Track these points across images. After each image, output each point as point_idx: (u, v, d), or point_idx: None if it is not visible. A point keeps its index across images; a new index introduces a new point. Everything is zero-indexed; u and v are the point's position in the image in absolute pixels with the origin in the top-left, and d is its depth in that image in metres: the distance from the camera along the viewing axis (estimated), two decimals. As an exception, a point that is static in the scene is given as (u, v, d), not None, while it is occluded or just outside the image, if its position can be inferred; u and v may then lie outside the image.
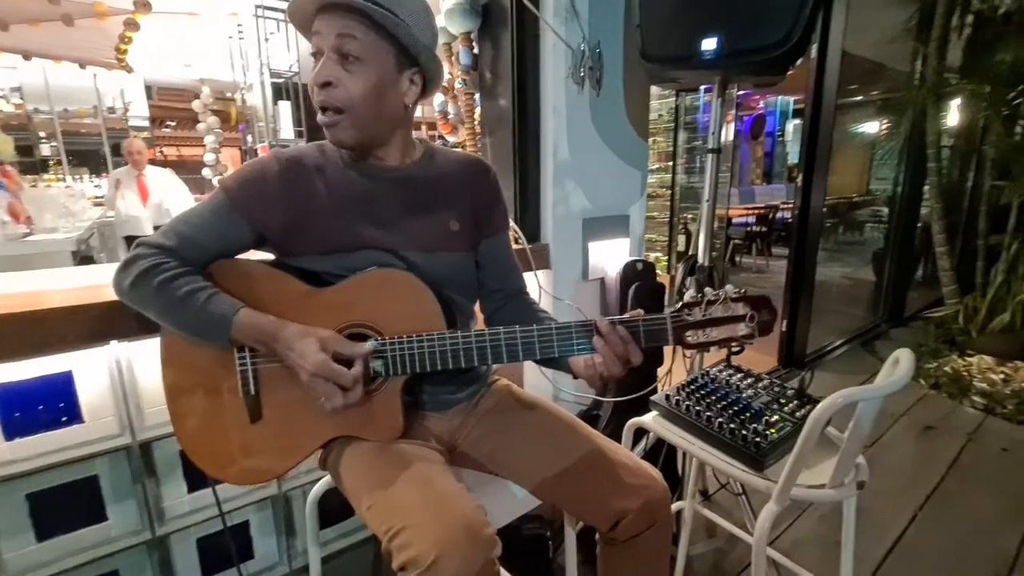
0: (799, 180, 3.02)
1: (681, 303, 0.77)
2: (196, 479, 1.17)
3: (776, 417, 1.05)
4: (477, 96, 1.67)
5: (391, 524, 0.69)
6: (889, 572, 1.53)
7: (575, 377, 0.84)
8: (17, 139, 5.68)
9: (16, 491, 0.98)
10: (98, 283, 0.99)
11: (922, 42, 3.30)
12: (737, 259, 6.32)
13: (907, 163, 3.74)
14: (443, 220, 0.91)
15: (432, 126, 1.91)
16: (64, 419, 1.01)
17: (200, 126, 6.08)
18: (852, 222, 5.02)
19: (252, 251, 0.89)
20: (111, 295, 0.91)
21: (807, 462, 0.97)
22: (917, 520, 1.75)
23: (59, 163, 5.93)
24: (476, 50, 1.62)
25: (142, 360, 1.07)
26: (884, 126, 3.86)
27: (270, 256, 0.90)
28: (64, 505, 1.03)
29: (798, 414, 1.06)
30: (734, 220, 6.01)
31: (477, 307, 1.03)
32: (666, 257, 4.73)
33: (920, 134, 3.21)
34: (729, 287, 0.77)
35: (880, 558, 1.58)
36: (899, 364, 0.93)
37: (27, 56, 4.66)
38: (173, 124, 8.20)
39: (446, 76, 1.71)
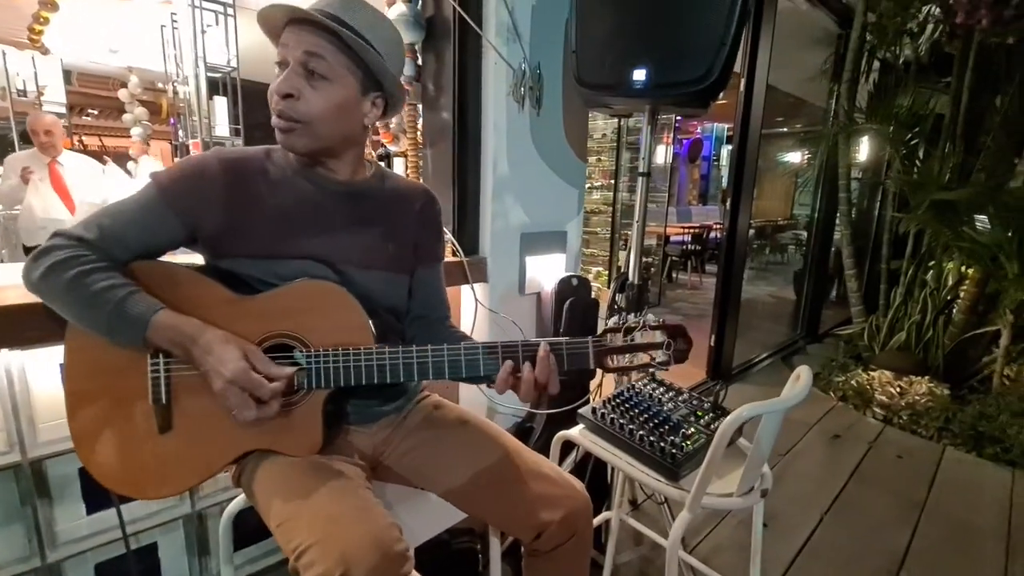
0: (727, 204, 3.23)
1: (604, 328, 0.81)
2: (97, 499, 1.08)
3: (692, 429, 1.11)
4: (419, 107, 1.67)
5: (299, 542, 0.67)
6: (798, 572, 1.64)
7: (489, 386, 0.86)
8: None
9: None
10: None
11: (836, 83, 3.62)
12: (674, 275, 6.61)
13: (823, 192, 4.07)
14: (384, 240, 0.92)
15: (376, 132, 1.89)
16: (-60, 436, 0.91)
17: (126, 117, 5.68)
18: (777, 244, 5.39)
19: (178, 251, 0.85)
20: (5, 299, 0.85)
21: (718, 472, 1.03)
22: (823, 522, 1.89)
23: (-44, 148, 5.34)
24: (420, 61, 1.62)
25: (36, 370, 0.98)
26: (805, 156, 4.19)
27: (196, 259, 0.86)
28: (-64, 532, 0.93)
29: (713, 426, 1.12)
30: (671, 238, 6.29)
31: None
32: (606, 272, 4.88)
33: (834, 166, 3.51)
34: (650, 316, 0.82)
35: (790, 559, 1.69)
36: (799, 380, 1.01)
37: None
38: (95, 112, 7.61)
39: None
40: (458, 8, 1.40)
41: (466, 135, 1.50)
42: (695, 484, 0.94)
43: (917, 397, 2.85)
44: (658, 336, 0.82)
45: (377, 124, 1.81)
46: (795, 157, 4.50)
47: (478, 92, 1.50)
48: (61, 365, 0.98)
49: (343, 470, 0.80)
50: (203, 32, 3.83)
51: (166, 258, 0.84)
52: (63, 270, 0.71)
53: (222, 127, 4.02)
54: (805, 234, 4.55)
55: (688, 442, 1.06)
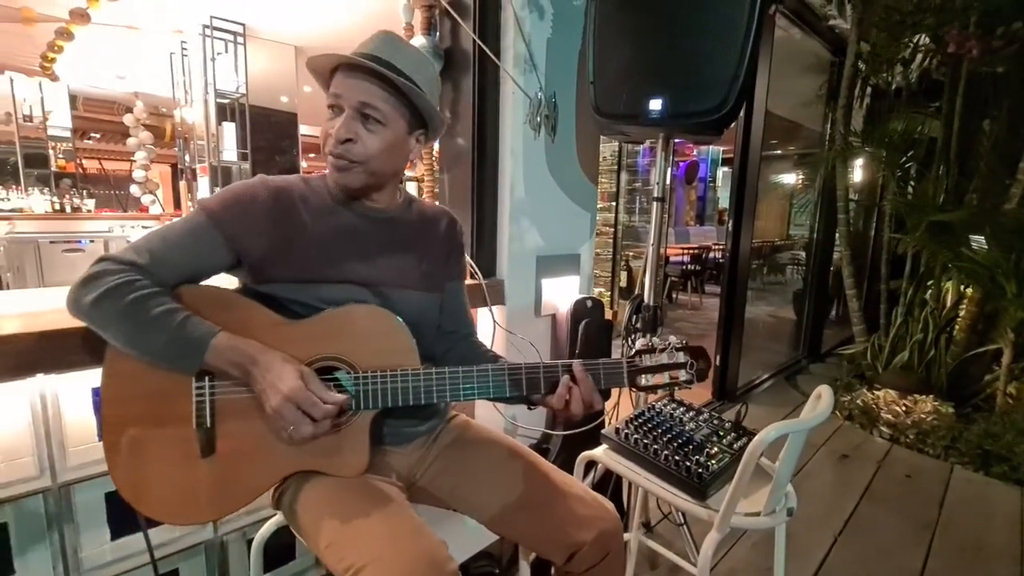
0: (729, 224, 3.28)
1: (634, 351, 0.85)
2: (121, 525, 1.08)
3: (716, 449, 1.12)
4: (436, 134, 1.71)
5: (352, 561, 0.68)
6: (815, 596, 1.64)
7: (531, 406, 0.89)
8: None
9: (-91, 543, 0.87)
10: (26, 310, 0.93)
11: (831, 108, 3.73)
12: (674, 296, 6.65)
13: (821, 213, 4.15)
14: (418, 261, 0.96)
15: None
16: (-27, 460, 0.91)
17: (131, 140, 5.75)
18: (775, 264, 5.46)
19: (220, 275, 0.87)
20: (41, 324, 0.86)
21: (744, 491, 1.05)
22: (837, 544, 1.88)
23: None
24: (436, 90, 1.67)
25: (69, 395, 0.99)
26: (801, 178, 4.28)
27: (234, 282, 0.89)
28: (-37, 558, 0.92)
29: (735, 445, 1.14)
30: (671, 259, 6.36)
31: None
32: (609, 292, 4.92)
33: (831, 188, 3.59)
34: (673, 338, 0.87)
35: (807, 582, 1.69)
36: (821, 399, 1.03)
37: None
38: (97, 136, 7.69)
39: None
40: (478, 40, 1.45)
41: (484, 161, 1.55)
42: (724, 503, 0.95)
43: (923, 416, 2.86)
44: (681, 357, 0.88)
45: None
46: (790, 179, 4.60)
47: (496, 120, 1.54)
48: (95, 390, 1.00)
49: (386, 490, 0.82)
50: (213, 59, 3.92)
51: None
52: (120, 296, 0.72)
53: (230, 151, 4.08)
54: (803, 254, 4.62)
55: (713, 461, 1.07)
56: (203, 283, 0.84)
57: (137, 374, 0.76)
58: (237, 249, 0.82)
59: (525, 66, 1.51)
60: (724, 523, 0.95)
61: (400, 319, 0.84)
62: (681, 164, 9.02)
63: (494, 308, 1.55)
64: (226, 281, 0.91)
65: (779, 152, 4.43)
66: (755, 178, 3.14)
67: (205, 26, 3.77)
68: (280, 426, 0.74)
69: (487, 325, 1.57)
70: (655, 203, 1.42)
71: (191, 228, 0.81)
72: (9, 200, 5.25)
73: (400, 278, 0.92)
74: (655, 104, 1.25)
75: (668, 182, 1.47)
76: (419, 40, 1.56)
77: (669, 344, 0.87)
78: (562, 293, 1.72)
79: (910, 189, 3.40)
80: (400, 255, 0.94)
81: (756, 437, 0.91)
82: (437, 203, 1.71)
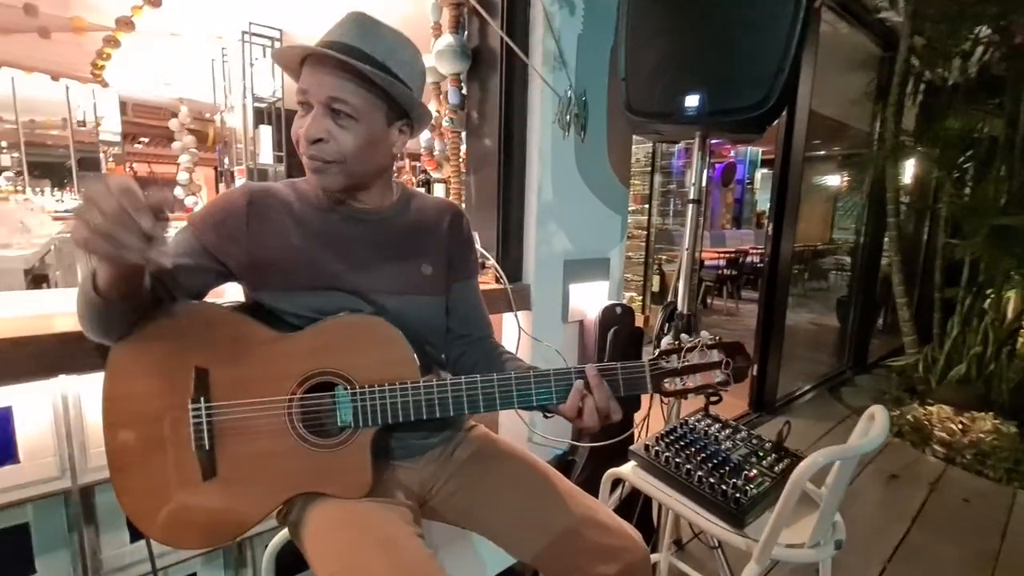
0: (768, 227, 3.14)
1: (659, 350, 0.77)
2: (141, 526, 1.08)
3: (755, 471, 1.04)
4: (463, 134, 1.68)
5: None
6: (861, 629, 1.52)
7: (546, 414, 0.82)
8: (-25, 148, 5.47)
9: (-68, 541, 0.88)
10: (50, 311, 0.93)
11: (880, 106, 3.53)
12: (708, 301, 6.45)
13: (869, 216, 3.93)
14: (416, 264, 0.90)
15: (417, 158, 1.91)
16: (-3, 459, 0.92)
17: (175, 144, 5.98)
18: (817, 269, 5.21)
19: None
20: (62, 325, 0.86)
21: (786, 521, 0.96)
22: (886, 572, 1.75)
23: (20, 174, 5.69)
24: (464, 90, 1.64)
25: (91, 395, 0.99)
26: (846, 180, 4.07)
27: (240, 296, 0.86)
28: (-14, 556, 0.93)
29: (776, 468, 1.05)
30: (706, 263, 6.17)
31: None
32: (640, 297, 4.80)
33: (880, 190, 3.39)
34: (705, 333, 0.78)
35: (852, 614, 1.57)
36: (874, 421, 0.94)
37: (-4, 65, 4.54)
38: (146, 140, 8.03)
39: (433, 113, 1.72)
40: (505, 38, 1.40)
41: (511, 162, 1.50)
42: (764, 534, 0.87)
43: (981, 435, 2.65)
44: (715, 355, 0.79)
45: (422, 152, 1.83)
46: (834, 180, 4.38)
47: (524, 120, 1.49)
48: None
49: (393, 516, 0.77)
50: (251, 64, 4.01)
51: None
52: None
53: (266, 154, 4.17)
54: (848, 259, 4.39)
55: (752, 485, 0.99)
56: (206, 299, 0.83)
57: (133, 398, 0.75)
58: (221, 260, 0.80)
59: (554, 63, 1.45)
60: (764, 555, 0.88)
61: (397, 329, 0.79)
62: (718, 166, 8.77)
63: (520, 314, 1.50)
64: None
65: (823, 153, 4.23)
66: (797, 180, 2.99)
67: (244, 32, 3.86)
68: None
69: (512, 331, 1.52)
70: (690, 205, 1.34)
71: (180, 242, 0.79)
72: (63, 202, 5.53)
73: (396, 283, 0.87)
74: (692, 100, 1.18)
75: (704, 184, 1.38)
76: (447, 39, 1.53)
77: (699, 342, 0.78)
78: (591, 299, 1.65)
79: (967, 191, 3.17)
80: (395, 258, 0.88)
81: (802, 464, 0.83)
82: (464, 207, 1.67)
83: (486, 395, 0.78)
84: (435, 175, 1.78)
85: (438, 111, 1.70)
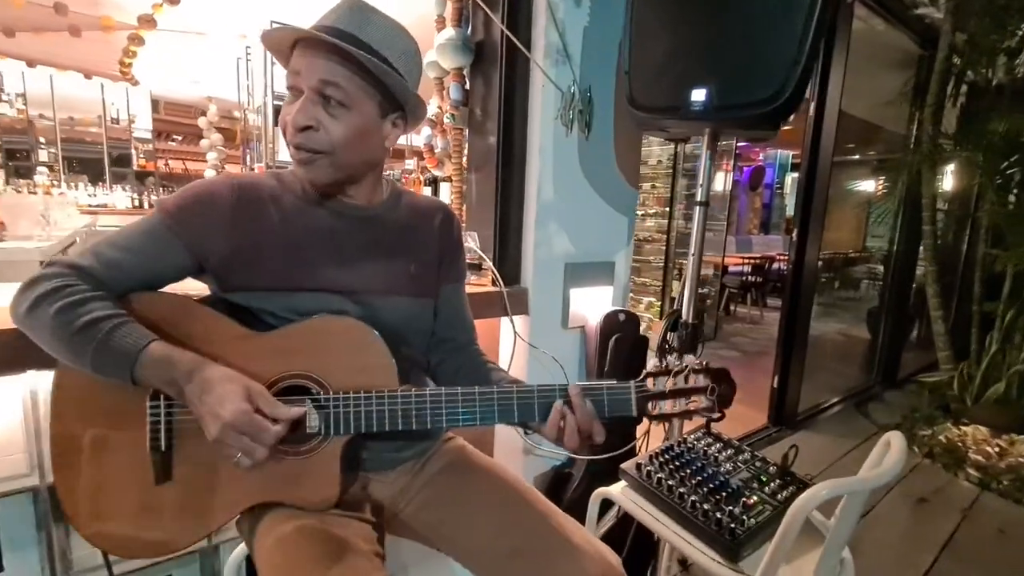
0: (794, 233, 3.00)
1: (645, 372, 0.71)
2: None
3: (755, 498, 0.95)
4: (465, 131, 1.63)
5: None
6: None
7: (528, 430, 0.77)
8: (16, 143, 5.70)
9: None
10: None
11: (917, 107, 3.34)
12: (732, 308, 6.27)
13: (903, 223, 3.74)
14: (404, 264, 0.86)
15: (420, 156, 1.87)
16: (-36, 455, 0.91)
17: (203, 142, 6.11)
18: (847, 278, 4.99)
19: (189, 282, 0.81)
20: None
21: (784, 556, 0.87)
22: (909, 608, 1.63)
23: (54, 168, 5.90)
24: (467, 85, 1.59)
25: (64, 392, 0.97)
26: (880, 185, 3.87)
27: (204, 291, 0.82)
28: (-48, 553, 0.91)
29: (780, 496, 0.96)
30: (730, 268, 5.99)
31: None
32: (659, 302, 4.67)
33: (916, 196, 3.21)
34: (690, 358, 0.73)
35: (868, 651, 1.45)
36: (890, 450, 0.85)
37: (31, 63, 4.71)
38: (179, 138, 8.26)
39: (435, 109, 1.68)
40: (505, 30, 1.35)
41: (511, 160, 1.44)
42: (760, 570, 0.79)
43: (1021, 459, 2.47)
44: (701, 380, 0.74)
45: (423, 149, 1.79)
46: (868, 186, 4.18)
47: (524, 116, 1.43)
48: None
49: (352, 535, 0.72)
50: (273, 63, 4.06)
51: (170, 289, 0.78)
52: (49, 303, 0.65)
53: (284, 152, 4.21)
54: (881, 268, 4.19)
55: (750, 514, 0.91)
56: (164, 289, 0.77)
57: (86, 388, 0.70)
58: (196, 253, 0.75)
59: (557, 57, 1.39)
60: (759, 594, 0.79)
61: (376, 332, 0.74)
62: (746, 169, 8.54)
63: (516, 318, 1.44)
64: (190, 288, 0.84)
65: (856, 157, 4.05)
66: (825, 184, 2.85)
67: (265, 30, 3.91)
68: (225, 455, 0.65)
69: (508, 337, 1.46)
70: (697, 208, 1.26)
71: (146, 229, 0.73)
72: (95, 196, 5.72)
73: (384, 283, 0.82)
74: (698, 95, 1.10)
75: (725, 182, 1.30)
76: (448, 33, 1.48)
77: (686, 366, 0.73)
78: (593, 304, 1.58)
79: (1012, 198, 2.97)
80: (383, 257, 0.84)
81: (802, 497, 0.74)
82: (464, 205, 1.62)
83: (466, 409, 0.73)
84: (437, 173, 1.73)
85: (440, 107, 1.65)
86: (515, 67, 1.41)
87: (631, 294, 5.05)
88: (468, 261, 1.46)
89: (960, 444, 2.64)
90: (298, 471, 0.72)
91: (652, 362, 0.74)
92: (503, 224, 1.46)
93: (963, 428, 2.76)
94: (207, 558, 1.17)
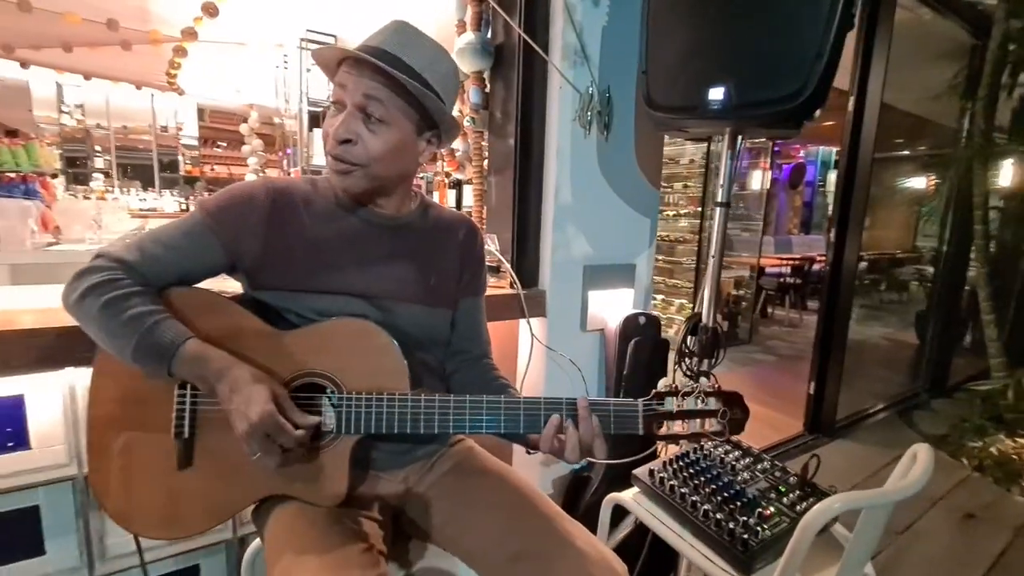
0: (831, 233, 2.89)
1: (654, 391, 0.70)
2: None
3: (772, 509, 0.92)
4: (487, 134, 1.64)
5: None
6: None
7: (530, 449, 0.77)
8: (76, 152, 6.09)
9: (-50, 518, 0.94)
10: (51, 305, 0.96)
11: (968, 100, 3.15)
12: (769, 311, 6.07)
13: (954, 222, 3.54)
14: (427, 274, 0.89)
15: (441, 159, 1.89)
16: (10, 444, 0.97)
17: (244, 148, 6.36)
18: (894, 279, 4.75)
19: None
20: (60, 320, 0.88)
21: (803, 569, 0.84)
22: (951, 630, 1.54)
23: (108, 175, 6.27)
24: (488, 89, 1.60)
25: (100, 387, 1.03)
26: (931, 182, 3.67)
27: (237, 288, 0.86)
28: (1, 534, 0.98)
29: (799, 508, 0.93)
30: (767, 270, 5.80)
31: None
32: (691, 305, 4.58)
33: (967, 193, 3.03)
34: (703, 380, 0.72)
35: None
36: (917, 462, 0.81)
37: (87, 76, 5.03)
38: (223, 144, 8.64)
39: (456, 113, 1.70)
40: (521, 33, 1.35)
41: (528, 162, 1.44)
42: (771, 584, 0.76)
43: (1083, 476, 2.30)
44: (712, 403, 0.73)
45: (443, 152, 1.81)
46: (918, 183, 3.97)
47: (542, 118, 1.43)
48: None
49: (358, 531, 0.74)
50: (308, 70, 4.19)
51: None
52: (98, 294, 0.70)
53: (319, 157, 4.34)
54: (931, 269, 3.97)
55: (765, 526, 0.88)
56: (198, 285, 0.81)
57: (123, 375, 0.75)
58: (231, 252, 0.79)
59: (575, 58, 1.38)
60: (770, 608, 0.77)
61: (390, 337, 0.76)
62: (785, 167, 8.24)
63: (533, 320, 1.44)
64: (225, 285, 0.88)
65: (906, 152, 3.85)
66: (865, 181, 2.72)
67: (301, 39, 4.04)
68: (247, 451, 0.69)
69: (525, 339, 1.46)
70: (717, 209, 1.23)
71: (187, 228, 0.78)
72: (146, 200, 6.04)
73: (404, 290, 0.85)
74: (716, 94, 1.07)
75: (763, 184, 1.26)
76: (467, 37, 1.50)
77: (697, 388, 0.72)
78: (613, 307, 1.56)
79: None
80: (406, 265, 0.87)
81: (813, 510, 0.72)
82: (484, 208, 1.63)
83: (474, 416, 0.75)
84: (458, 176, 1.74)
85: (460, 111, 1.66)
86: (533, 69, 1.41)
87: (662, 297, 4.97)
88: (488, 263, 1.48)
89: (1014, 457, 2.47)
90: (309, 468, 0.75)
91: (663, 381, 0.73)
92: (521, 227, 1.46)
93: (1018, 440, 2.59)
94: (232, 549, 1.21)
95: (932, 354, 3.74)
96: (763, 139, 4.26)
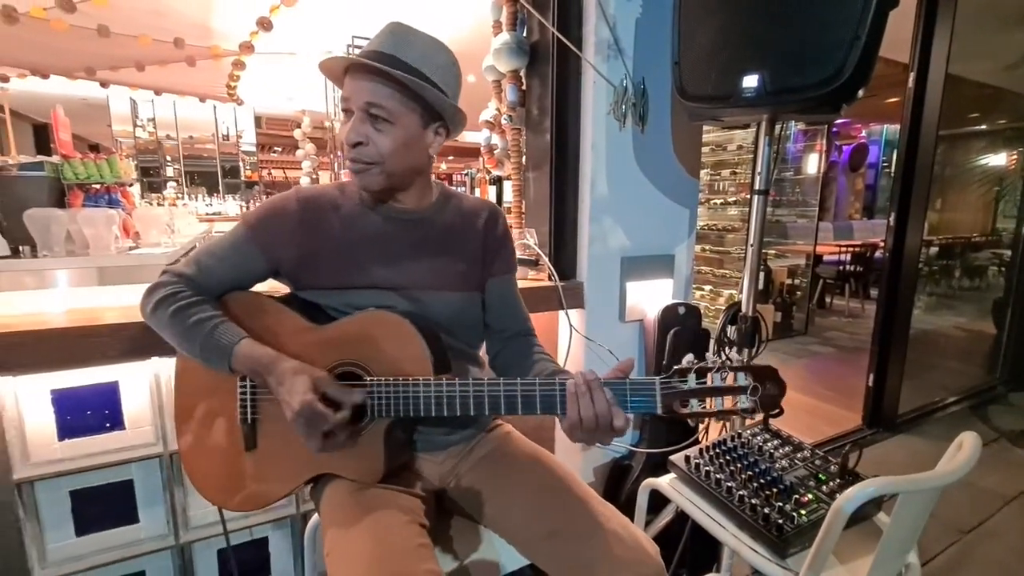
0: (891, 217, 2.73)
1: (675, 368, 0.71)
2: (223, 491, 1.23)
3: (810, 496, 0.92)
4: (523, 131, 1.67)
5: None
6: None
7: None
8: (149, 162, 6.60)
9: (62, 488, 1.09)
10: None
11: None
12: (828, 300, 5.79)
13: (1034, 201, 3.26)
14: (452, 261, 0.93)
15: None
16: (108, 425, 1.11)
17: (298, 152, 6.68)
18: (969, 265, 4.43)
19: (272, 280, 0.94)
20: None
21: (842, 555, 0.85)
22: (1021, 632, 1.46)
23: (179, 182, 6.75)
24: (524, 86, 1.63)
25: (180, 375, 1.15)
26: (1012, 159, 3.40)
27: (285, 288, 0.95)
28: (101, 504, 1.12)
29: (837, 495, 0.92)
30: (824, 258, 5.52)
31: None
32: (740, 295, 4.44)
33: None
34: (733, 354, 0.71)
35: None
36: (962, 450, 0.79)
37: (158, 91, 5.44)
38: (279, 150, 9.09)
39: (493, 112, 1.74)
40: (554, 31, 1.38)
41: (564, 156, 1.47)
42: (804, 567, 0.77)
43: None
44: (742, 379, 0.71)
45: (483, 150, 1.86)
46: (998, 160, 3.67)
47: (577, 112, 1.45)
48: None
49: (400, 504, 0.80)
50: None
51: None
52: (166, 306, 0.81)
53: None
54: (1009, 253, 3.68)
55: (802, 511, 0.88)
56: (252, 289, 0.91)
57: (198, 370, 0.85)
58: (272, 259, 0.87)
59: (609, 52, 1.39)
60: (804, 591, 0.78)
61: (413, 326, 0.82)
62: (845, 148, 7.79)
63: (572, 312, 1.47)
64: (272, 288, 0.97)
65: (982, 127, 3.57)
66: (928, 161, 2.56)
67: (348, 45, 4.20)
68: (297, 433, 0.76)
69: (564, 330, 1.49)
70: (755, 197, 1.22)
71: (233, 241, 0.87)
72: (211, 205, 6.46)
73: (431, 279, 0.90)
74: (750, 81, 1.06)
75: (820, 167, 1.24)
76: (503, 37, 1.54)
77: (723, 362, 0.71)
78: (652, 298, 1.57)
79: None
80: (431, 255, 0.92)
81: (846, 492, 0.72)
82: (523, 203, 1.67)
83: (492, 398, 0.77)
84: (496, 172, 1.79)
85: (498, 109, 1.71)
86: (567, 65, 1.43)
87: (710, 287, 4.83)
88: (526, 257, 1.51)
89: (1103, 455, 2.28)
90: (352, 448, 0.82)
91: (687, 358, 0.73)
92: (558, 220, 1.49)
93: (1109, 437, 2.38)
94: (296, 523, 1.32)
95: (1010, 344, 3.47)
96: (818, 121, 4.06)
